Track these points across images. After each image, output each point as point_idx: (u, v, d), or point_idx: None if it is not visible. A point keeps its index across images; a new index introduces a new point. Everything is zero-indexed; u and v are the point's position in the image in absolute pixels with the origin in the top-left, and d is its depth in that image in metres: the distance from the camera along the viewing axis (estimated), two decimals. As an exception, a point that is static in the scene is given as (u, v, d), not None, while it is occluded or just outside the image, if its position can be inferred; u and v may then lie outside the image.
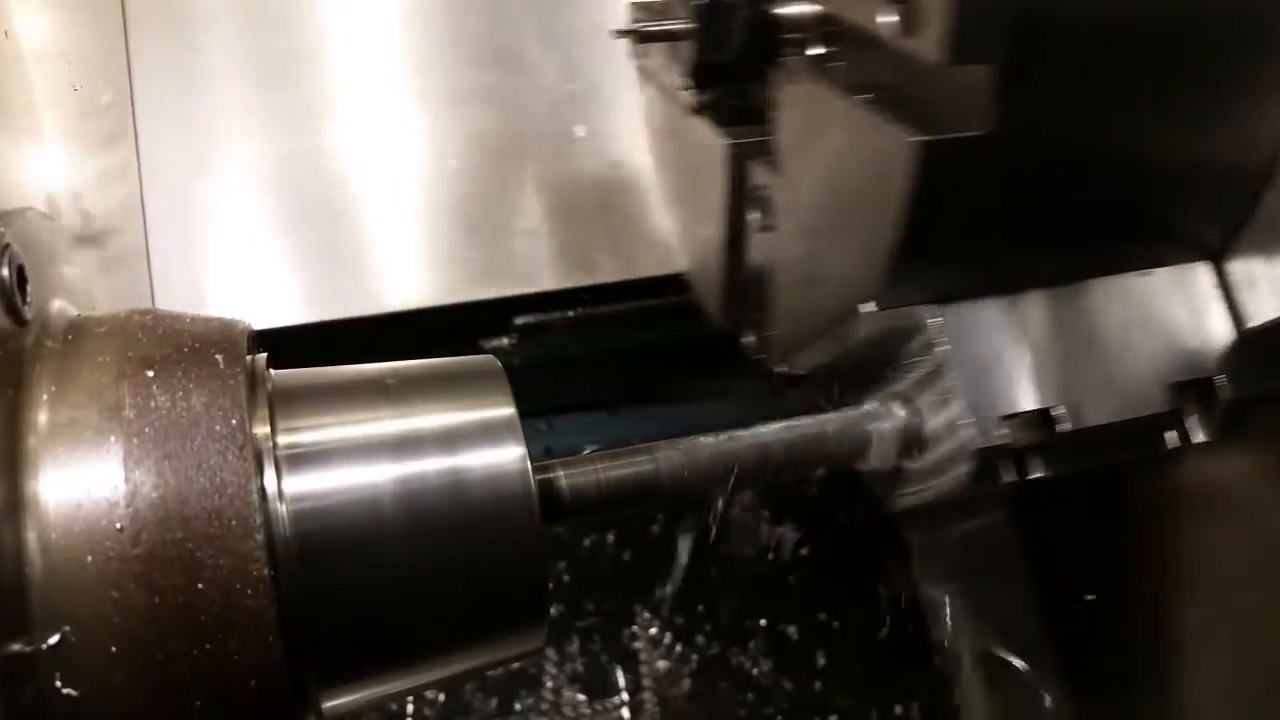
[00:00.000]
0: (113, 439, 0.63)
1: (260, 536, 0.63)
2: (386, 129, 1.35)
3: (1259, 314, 0.86)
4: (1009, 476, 0.84)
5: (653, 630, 1.78)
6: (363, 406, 0.74)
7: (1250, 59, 0.77)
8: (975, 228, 0.80)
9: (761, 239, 1.03)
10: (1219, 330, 0.88)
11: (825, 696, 1.77)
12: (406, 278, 1.31)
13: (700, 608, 1.80)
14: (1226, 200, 0.85)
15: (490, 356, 0.82)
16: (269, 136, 1.32)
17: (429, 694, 1.68)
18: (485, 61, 1.37)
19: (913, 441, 0.87)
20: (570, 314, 1.33)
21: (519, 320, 1.35)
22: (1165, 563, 1.19)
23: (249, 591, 0.63)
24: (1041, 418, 0.83)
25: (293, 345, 1.01)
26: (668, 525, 1.84)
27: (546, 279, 1.34)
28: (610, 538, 1.83)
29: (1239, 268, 0.87)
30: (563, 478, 0.80)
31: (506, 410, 0.76)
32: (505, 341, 1.38)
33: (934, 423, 0.85)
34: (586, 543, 1.83)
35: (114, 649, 0.61)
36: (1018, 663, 1.48)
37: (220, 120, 1.31)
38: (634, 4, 1.11)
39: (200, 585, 0.62)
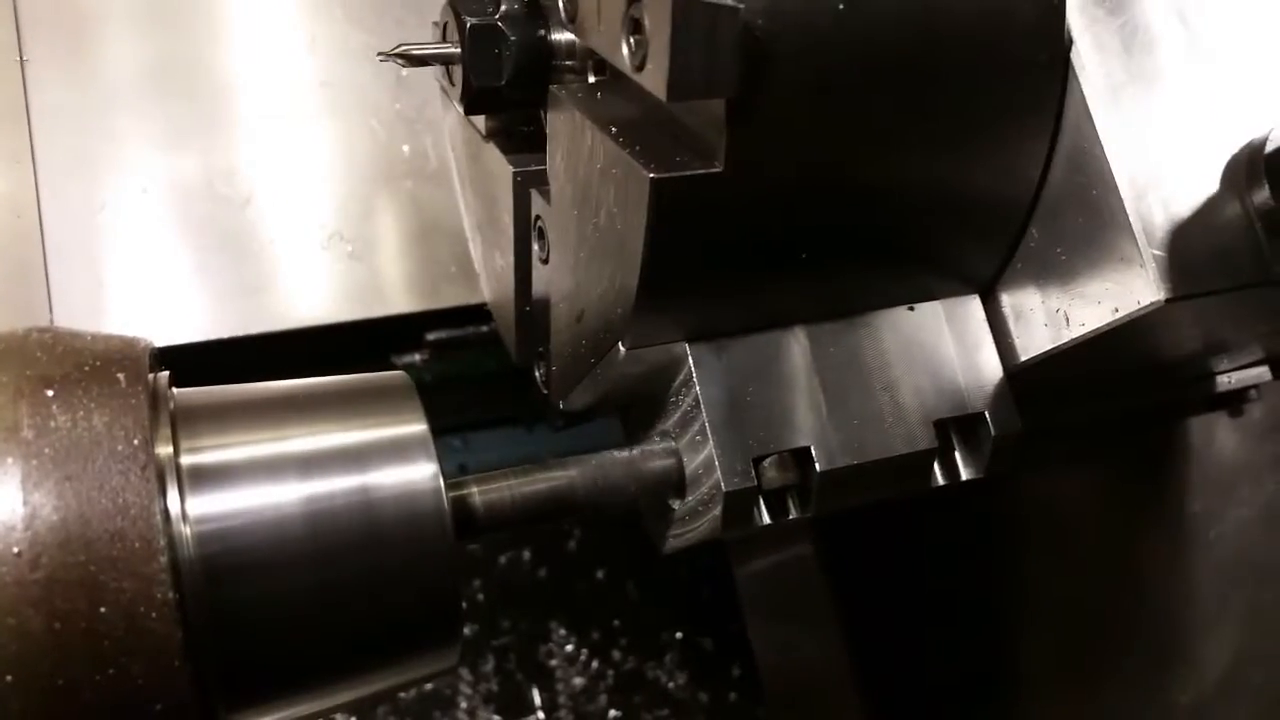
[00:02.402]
0: (10, 460, 0.61)
1: (164, 559, 0.62)
2: (292, 140, 1.33)
3: (1031, 347, 0.85)
4: (763, 519, 0.82)
5: (569, 647, 1.78)
6: (269, 424, 0.73)
7: (996, 88, 0.76)
8: (725, 263, 0.78)
9: (540, 271, 0.99)
10: (989, 365, 0.86)
11: (741, 707, 1.78)
12: (314, 292, 1.29)
13: (615, 622, 1.80)
14: (991, 231, 0.83)
15: (401, 373, 0.81)
16: (171, 148, 1.29)
17: (339, 716, 1.66)
18: (394, 71, 1.36)
19: (677, 482, 0.85)
20: (484, 329, 1.33)
21: (431, 336, 1.35)
22: (975, 588, 1.22)
23: (153, 615, 0.61)
24: (797, 457, 0.81)
25: (197, 363, 1.00)
26: (584, 541, 1.85)
27: (459, 294, 1.33)
28: (526, 554, 1.83)
29: (1010, 301, 0.86)
30: (476, 494, 0.80)
31: (418, 427, 0.76)
32: (417, 357, 1.37)
33: (691, 464, 0.83)
34: (502, 560, 1.82)
35: (10, 678, 0.59)
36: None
37: (120, 131, 1.28)
38: (434, 24, 1.04)
39: (103, 609, 0.60)
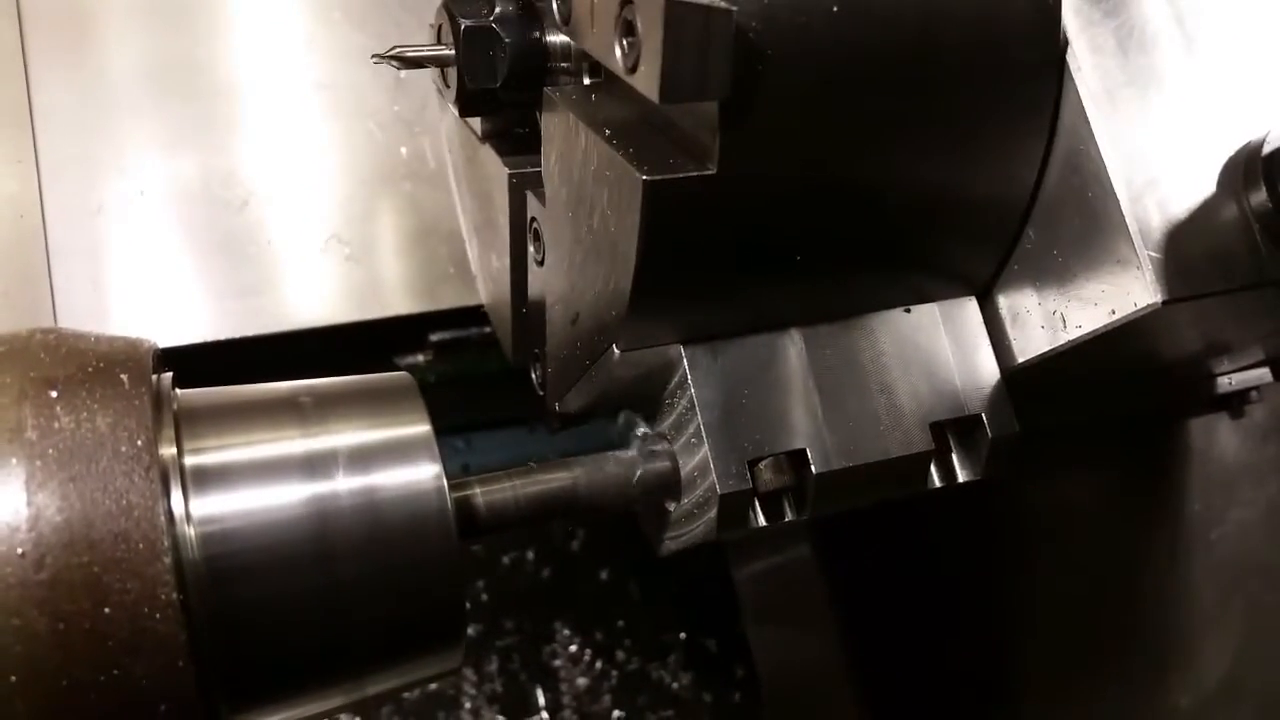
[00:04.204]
0: (14, 461, 0.61)
1: (168, 559, 0.62)
2: (297, 142, 1.33)
3: (1028, 349, 0.84)
4: (758, 521, 0.82)
5: (572, 647, 1.78)
6: (273, 425, 0.73)
7: (991, 89, 0.76)
8: (719, 266, 0.77)
9: (536, 273, 0.99)
10: (986, 367, 0.86)
11: (744, 708, 1.78)
12: (317, 294, 1.30)
13: (619, 623, 1.80)
14: (987, 233, 0.83)
15: (405, 373, 0.81)
16: (175, 149, 1.30)
17: (343, 717, 1.66)
18: (393, 73, 1.36)
19: (672, 485, 0.84)
20: (486, 330, 1.33)
21: (434, 336, 1.35)
22: (974, 589, 1.21)
23: (157, 615, 0.61)
24: (793, 460, 0.81)
25: (200, 364, 1.00)
26: (588, 541, 1.85)
27: (462, 294, 1.33)
28: (530, 554, 1.83)
29: (1007, 303, 0.86)
30: (480, 495, 0.80)
31: (421, 428, 0.76)
32: (421, 358, 1.37)
33: (687, 466, 0.83)
34: (505, 560, 1.82)
35: (14, 678, 0.59)
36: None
37: (124, 132, 1.29)
38: (430, 25, 1.03)
39: (107, 610, 0.60)
